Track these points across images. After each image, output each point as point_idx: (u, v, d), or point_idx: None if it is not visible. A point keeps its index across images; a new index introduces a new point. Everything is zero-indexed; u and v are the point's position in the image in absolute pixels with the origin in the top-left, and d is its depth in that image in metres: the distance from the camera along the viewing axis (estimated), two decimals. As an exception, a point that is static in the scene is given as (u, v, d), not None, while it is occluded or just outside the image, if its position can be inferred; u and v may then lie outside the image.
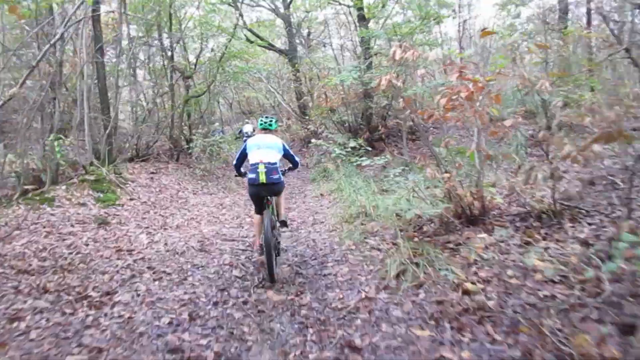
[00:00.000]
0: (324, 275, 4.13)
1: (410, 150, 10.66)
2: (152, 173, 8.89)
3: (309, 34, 19.56)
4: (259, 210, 4.35)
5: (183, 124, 12.84)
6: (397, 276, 3.76)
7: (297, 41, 16.93)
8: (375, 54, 11.07)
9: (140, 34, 11.18)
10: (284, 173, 4.53)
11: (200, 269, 4.39)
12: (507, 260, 3.57)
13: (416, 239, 4.64)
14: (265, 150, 4.23)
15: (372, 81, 8.70)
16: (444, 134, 11.35)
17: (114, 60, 8.89)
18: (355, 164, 4.72)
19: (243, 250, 5.07)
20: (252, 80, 20.08)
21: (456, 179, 4.63)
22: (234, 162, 4.67)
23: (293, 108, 17.18)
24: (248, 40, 15.24)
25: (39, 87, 7.91)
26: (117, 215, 6.36)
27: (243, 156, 4.48)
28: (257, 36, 15.67)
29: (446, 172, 4.63)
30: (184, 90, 12.45)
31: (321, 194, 8.29)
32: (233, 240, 5.53)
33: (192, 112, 14.00)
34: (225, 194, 8.93)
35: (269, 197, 4.28)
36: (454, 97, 4.39)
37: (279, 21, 17.42)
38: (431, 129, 12.92)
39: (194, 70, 12.60)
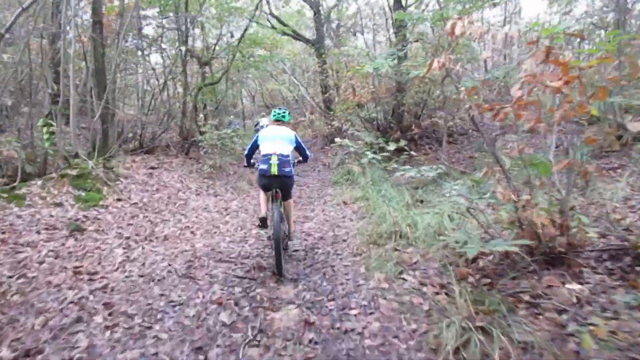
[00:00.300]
0: (345, 332, 2.88)
1: (447, 155, 9.27)
2: (153, 168, 7.80)
3: (338, 25, 18.32)
4: (266, 190, 4.27)
5: (197, 114, 11.83)
6: (457, 350, 2.50)
7: (326, 32, 15.64)
8: (416, 41, 9.68)
9: (155, 12, 10.13)
10: (294, 165, 4.45)
11: (176, 308, 3.22)
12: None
13: (470, 278, 3.39)
14: (278, 141, 4.21)
15: (410, 72, 7.39)
16: (488, 137, 9.89)
17: (117, 37, 7.76)
18: (397, 174, 3.38)
19: (241, 278, 3.89)
20: (276, 72, 19.02)
21: (533, 203, 3.32)
22: (245, 152, 4.60)
23: (317, 102, 15.94)
24: (273, 27, 14.13)
25: (28, 64, 6.92)
26: (98, 219, 5.27)
27: (254, 147, 4.43)
28: (282, 23, 14.49)
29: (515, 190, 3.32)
30: (200, 78, 11.43)
31: (344, 202, 7.02)
32: (230, 261, 4.34)
33: (207, 102, 13.00)
34: (233, 196, 7.77)
35: (278, 190, 4.17)
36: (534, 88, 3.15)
37: (308, 12, 16.25)
38: (470, 131, 11.48)
39: (211, 56, 11.53)
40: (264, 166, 4.07)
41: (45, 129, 7.09)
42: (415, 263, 3.85)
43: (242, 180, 9.00)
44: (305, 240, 5.22)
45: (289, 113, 4.63)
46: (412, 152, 3.85)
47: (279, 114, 4.50)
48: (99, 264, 4.02)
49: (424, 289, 3.32)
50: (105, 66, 7.59)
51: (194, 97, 10.22)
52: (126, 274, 3.80)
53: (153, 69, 11.19)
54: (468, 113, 3.82)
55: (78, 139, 7.16)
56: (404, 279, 3.57)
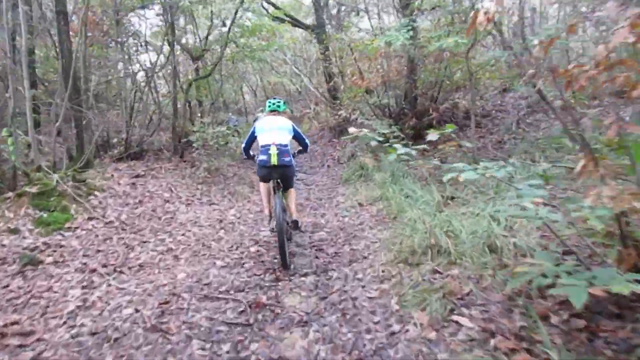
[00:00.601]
0: None
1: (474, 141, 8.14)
2: (138, 176, 6.80)
3: (339, 10, 17.12)
4: (266, 181, 4.27)
5: (192, 112, 10.81)
6: None
7: (326, 18, 14.44)
8: (432, 9, 8.46)
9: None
10: (294, 155, 4.41)
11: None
12: None
13: (554, 318, 2.34)
14: (275, 131, 4.17)
15: (428, 45, 6.26)
16: (568, 115, 8.75)
17: (81, 28, 6.73)
18: (447, 176, 2.29)
19: (232, 325, 2.87)
20: (277, 63, 17.93)
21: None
22: (243, 144, 4.56)
23: (322, 92, 14.82)
24: (269, 14, 13.01)
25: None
26: (60, 247, 4.28)
27: (252, 139, 4.40)
28: (278, 8, 13.35)
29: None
30: (194, 73, 10.41)
31: (359, 204, 5.94)
32: (219, 298, 3.31)
33: (203, 99, 11.99)
34: (230, 203, 6.72)
35: (279, 181, 4.12)
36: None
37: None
38: (494, 112, 10.29)
39: (203, 49, 10.47)
40: (263, 157, 4.02)
41: (10, 140, 6.15)
42: (468, 294, 2.78)
43: (241, 183, 7.95)
44: (317, 257, 4.18)
45: (284, 102, 4.59)
46: (464, 143, 2.73)
47: (273, 104, 4.49)
48: (43, 315, 3.02)
49: (492, 341, 2.26)
50: (76, 63, 6.57)
51: (185, 93, 9.19)
52: (74, 331, 2.78)
53: (139, 64, 10.17)
54: (531, 83, 2.73)
55: (53, 149, 6.17)
56: (457, 322, 2.51)
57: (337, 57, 13.02)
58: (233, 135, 8.89)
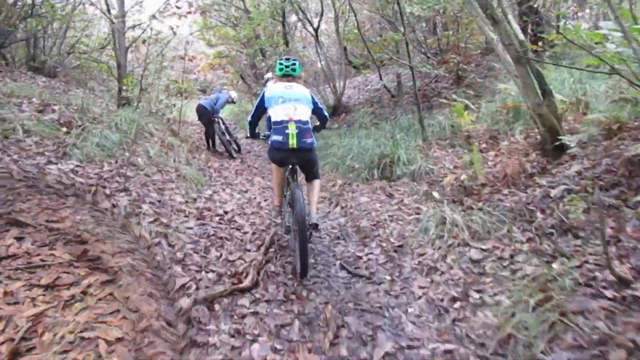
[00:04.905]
0: None
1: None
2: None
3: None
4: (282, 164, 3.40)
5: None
6: None
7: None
8: None
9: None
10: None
11: None
12: None
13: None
14: (293, 103, 3.31)
15: None
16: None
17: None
18: None
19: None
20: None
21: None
22: (249, 118, 3.66)
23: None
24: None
25: None
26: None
27: (260, 112, 3.54)
28: None
29: None
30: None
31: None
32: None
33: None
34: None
35: (296, 168, 3.43)
36: None
37: None
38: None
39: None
40: (278, 137, 3.20)
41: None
42: None
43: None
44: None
45: (300, 64, 3.60)
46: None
47: (287, 66, 3.51)
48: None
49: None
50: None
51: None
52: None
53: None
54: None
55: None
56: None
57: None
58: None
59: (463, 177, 4.35)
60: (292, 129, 3.17)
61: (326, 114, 3.70)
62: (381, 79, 10.02)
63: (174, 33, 8.21)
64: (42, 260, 2.43)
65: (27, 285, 2.18)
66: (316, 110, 3.55)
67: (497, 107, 6.59)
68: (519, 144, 5.11)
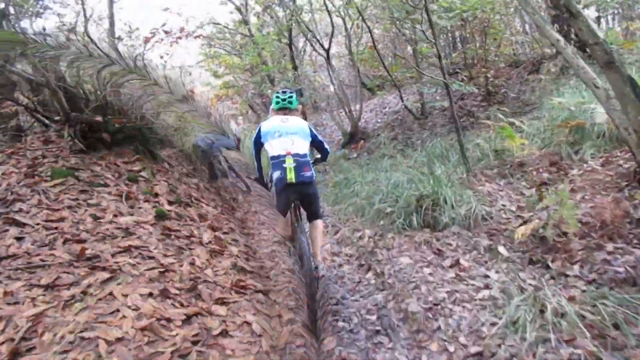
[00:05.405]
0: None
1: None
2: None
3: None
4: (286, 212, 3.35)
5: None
6: None
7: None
8: None
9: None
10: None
11: None
12: None
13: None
14: (289, 137, 3.19)
15: None
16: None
17: None
18: None
19: None
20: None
21: None
22: (253, 152, 3.55)
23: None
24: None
25: None
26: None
27: (258, 147, 3.42)
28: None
29: None
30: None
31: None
32: None
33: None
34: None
35: (298, 204, 3.37)
36: None
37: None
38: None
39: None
40: (276, 172, 3.13)
41: None
42: None
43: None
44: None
45: (296, 97, 3.50)
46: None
47: (283, 99, 3.43)
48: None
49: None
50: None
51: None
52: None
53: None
54: None
55: None
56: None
57: None
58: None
59: (541, 225, 3.21)
60: (289, 163, 3.07)
61: (327, 146, 3.55)
62: (402, 100, 9.04)
63: (164, 62, 7.47)
64: (42, 260, 2.41)
65: (27, 285, 2.18)
66: (315, 143, 3.42)
67: (546, 126, 5.55)
68: (598, 172, 3.98)
